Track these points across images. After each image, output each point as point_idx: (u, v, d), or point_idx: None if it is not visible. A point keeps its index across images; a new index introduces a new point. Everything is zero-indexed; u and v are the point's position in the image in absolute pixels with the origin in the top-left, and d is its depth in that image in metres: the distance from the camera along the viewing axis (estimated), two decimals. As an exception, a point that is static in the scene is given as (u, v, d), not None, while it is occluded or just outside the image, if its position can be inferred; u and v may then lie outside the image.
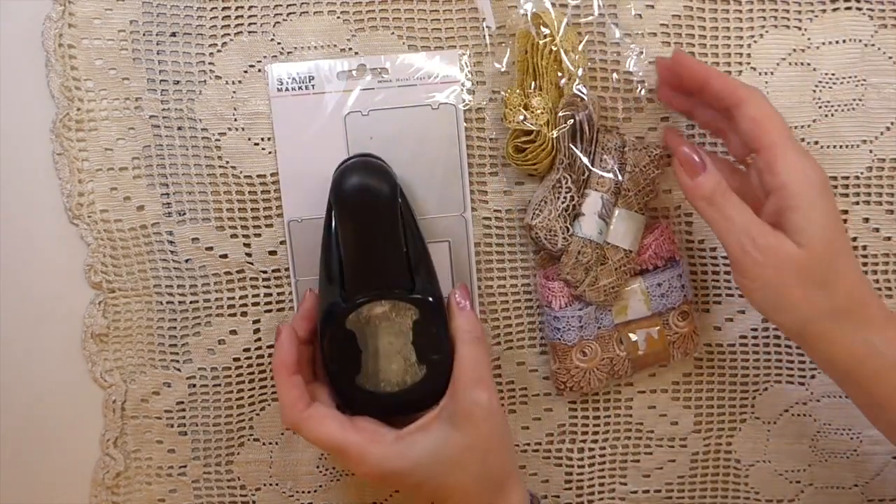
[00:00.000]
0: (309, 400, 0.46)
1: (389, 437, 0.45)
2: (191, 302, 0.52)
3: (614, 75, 0.51)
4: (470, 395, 0.45)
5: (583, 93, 0.48)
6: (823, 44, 0.51)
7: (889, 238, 0.52)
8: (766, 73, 0.51)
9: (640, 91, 0.51)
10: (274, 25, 0.50)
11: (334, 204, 0.46)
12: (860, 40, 0.51)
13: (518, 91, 0.49)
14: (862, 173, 0.52)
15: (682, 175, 0.45)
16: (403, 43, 0.50)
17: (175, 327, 0.52)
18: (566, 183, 0.49)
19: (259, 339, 0.52)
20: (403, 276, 0.46)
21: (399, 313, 0.47)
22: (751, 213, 0.43)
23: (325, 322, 0.46)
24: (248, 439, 0.54)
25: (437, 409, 0.46)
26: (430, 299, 0.46)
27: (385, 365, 0.47)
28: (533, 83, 0.49)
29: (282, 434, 0.54)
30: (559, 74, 0.49)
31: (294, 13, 0.50)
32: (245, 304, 0.52)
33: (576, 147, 0.49)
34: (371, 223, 0.45)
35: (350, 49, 0.50)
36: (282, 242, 0.52)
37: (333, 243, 0.47)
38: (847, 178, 0.52)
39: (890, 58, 0.51)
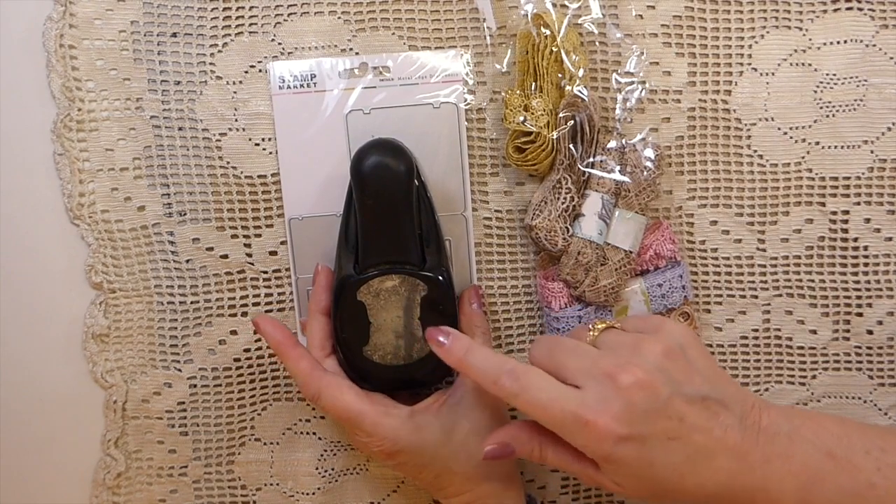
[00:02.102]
0: (322, 369, 0.47)
1: (403, 412, 0.47)
2: (191, 302, 0.52)
3: (615, 76, 0.51)
4: (475, 384, 0.46)
5: (583, 94, 0.48)
6: (824, 44, 0.51)
7: (890, 238, 0.52)
8: (767, 74, 0.51)
9: (642, 92, 0.51)
10: (274, 26, 0.50)
11: (353, 180, 0.47)
12: (861, 41, 0.51)
13: (518, 92, 0.49)
14: (863, 174, 0.52)
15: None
16: (404, 43, 0.50)
17: (176, 327, 0.52)
18: (566, 183, 0.49)
19: (259, 339, 0.52)
20: (415, 253, 0.48)
21: (408, 288, 0.48)
22: (569, 464, 0.42)
23: (338, 292, 0.48)
24: (249, 439, 0.54)
25: (445, 394, 0.48)
26: (440, 277, 0.48)
27: (392, 338, 0.48)
28: (533, 84, 0.49)
29: (282, 434, 0.54)
30: (560, 75, 0.49)
31: (295, 13, 0.50)
32: (245, 305, 0.52)
33: (576, 148, 0.49)
34: (386, 199, 0.47)
35: (351, 49, 0.50)
36: (282, 242, 0.52)
37: (353, 218, 0.48)
38: (848, 178, 0.52)
39: (891, 58, 0.51)
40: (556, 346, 0.43)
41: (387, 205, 0.47)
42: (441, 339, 0.43)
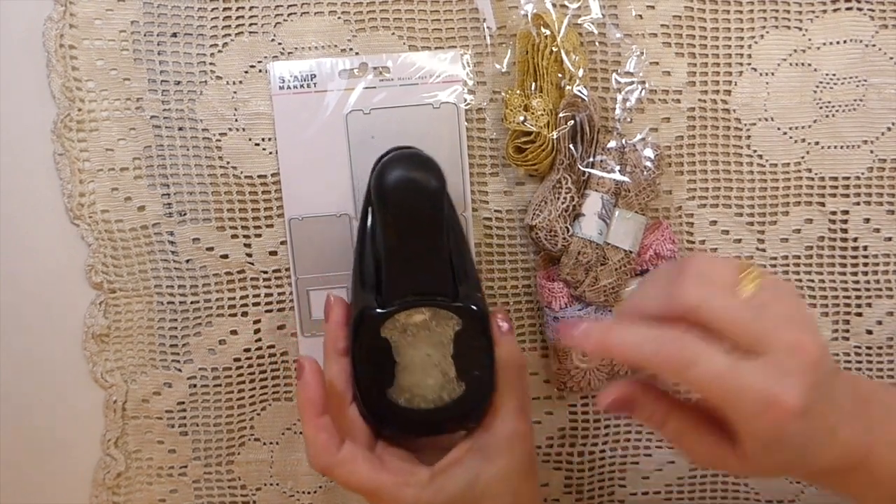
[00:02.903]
0: (339, 441, 0.42)
1: (422, 477, 0.43)
2: (191, 302, 0.52)
3: (614, 76, 0.51)
4: (509, 427, 0.43)
5: (583, 94, 0.48)
6: (824, 44, 0.51)
7: (890, 238, 0.52)
8: (766, 74, 0.51)
9: (641, 92, 0.51)
10: (274, 26, 0.50)
11: (375, 198, 0.42)
12: (861, 41, 0.51)
13: (518, 92, 0.49)
14: (863, 174, 0.52)
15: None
16: (404, 43, 0.50)
17: (176, 327, 0.52)
18: (566, 183, 0.49)
19: (259, 340, 0.52)
20: (446, 282, 0.43)
21: (440, 322, 0.43)
22: (690, 439, 0.39)
23: (357, 328, 0.43)
24: (249, 439, 0.54)
25: (469, 440, 0.44)
26: (475, 308, 0.43)
27: (421, 379, 0.44)
28: (533, 84, 0.49)
29: (282, 434, 0.54)
30: (560, 75, 0.49)
31: (295, 13, 0.50)
32: (245, 305, 0.52)
33: (576, 148, 0.49)
34: (415, 222, 0.42)
35: (350, 49, 0.50)
36: (282, 243, 0.52)
37: (368, 243, 0.44)
38: (848, 178, 0.52)
39: (891, 58, 0.51)
40: (708, 299, 0.35)
41: (415, 227, 0.42)
42: (574, 332, 0.37)
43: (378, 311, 0.42)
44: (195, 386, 0.53)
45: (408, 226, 0.42)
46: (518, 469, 0.43)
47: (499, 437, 0.43)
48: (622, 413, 0.39)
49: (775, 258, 0.53)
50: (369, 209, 0.44)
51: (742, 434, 0.36)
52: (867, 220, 0.52)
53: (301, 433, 0.54)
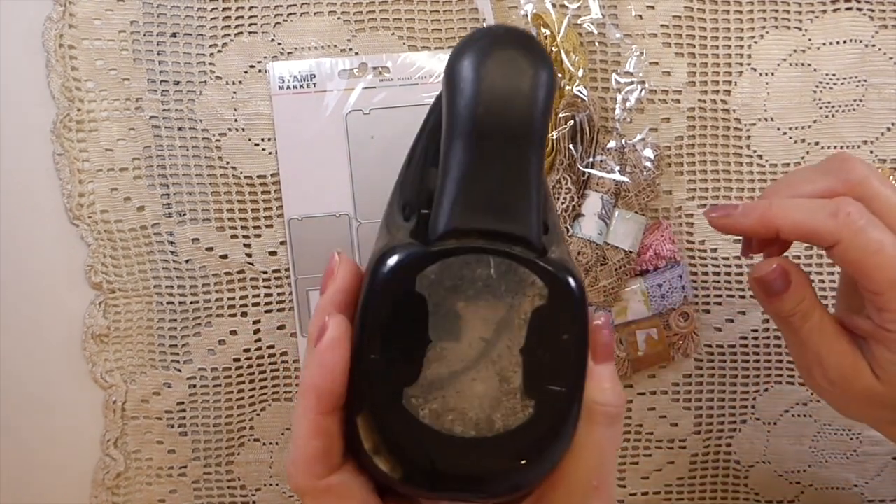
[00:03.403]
0: (337, 460, 0.28)
1: None
2: (191, 302, 0.52)
3: (614, 76, 0.51)
4: None
5: (583, 94, 0.48)
6: (824, 44, 0.51)
7: (889, 239, 0.52)
8: (766, 74, 0.51)
9: (641, 92, 0.51)
10: (274, 26, 0.50)
11: (452, 83, 0.28)
12: (861, 41, 0.51)
13: (518, 92, 0.49)
14: (862, 174, 0.52)
15: (759, 291, 0.37)
16: (404, 43, 0.50)
17: (175, 328, 0.52)
18: (566, 184, 0.49)
19: (259, 340, 0.52)
20: (536, 227, 0.28)
21: (512, 287, 0.27)
22: (830, 339, 0.36)
23: (376, 275, 0.27)
24: (249, 439, 0.54)
25: None
26: (571, 281, 0.27)
27: (465, 380, 0.27)
28: (533, 84, 0.49)
29: (282, 434, 0.54)
30: (559, 75, 0.49)
31: (294, 13, 0.50)
32: (245, 305, 0.52)
33: (576, 148, 0.49)
34: (509, 125, 0.28)
35: (350, 49, 0.50)
36: (282, 243, 0.52)
37: (420, 154, 0.31)
38: (847, 178, 0.52)
39: (891, 58, 0.51)
40: (876, 174, 0.33)
41: (508, 134, 0.27)
42: (733, 212, 0.33)
43: (417, 248, 0.27)
44: (195, 386, 0.53)
45: (497, 130, 0.27)
46: None
47: None
48: (779, 286, 0.35)
49: (775, 258, 0.53)
50: (442, 108, 0.29)
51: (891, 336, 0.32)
52: (867, 221, 0.52)
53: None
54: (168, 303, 0.52)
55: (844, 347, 0.36)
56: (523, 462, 0.26)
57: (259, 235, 0.52)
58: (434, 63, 0.50)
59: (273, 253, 0.52)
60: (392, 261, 0.27)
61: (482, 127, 0.27)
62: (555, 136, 0.49)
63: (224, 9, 0.50)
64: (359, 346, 0.27)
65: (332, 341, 0.27)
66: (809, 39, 0.51)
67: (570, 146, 0.49)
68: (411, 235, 0.28)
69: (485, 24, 0.50)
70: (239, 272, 0.52)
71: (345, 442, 0.28)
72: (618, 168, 0.49)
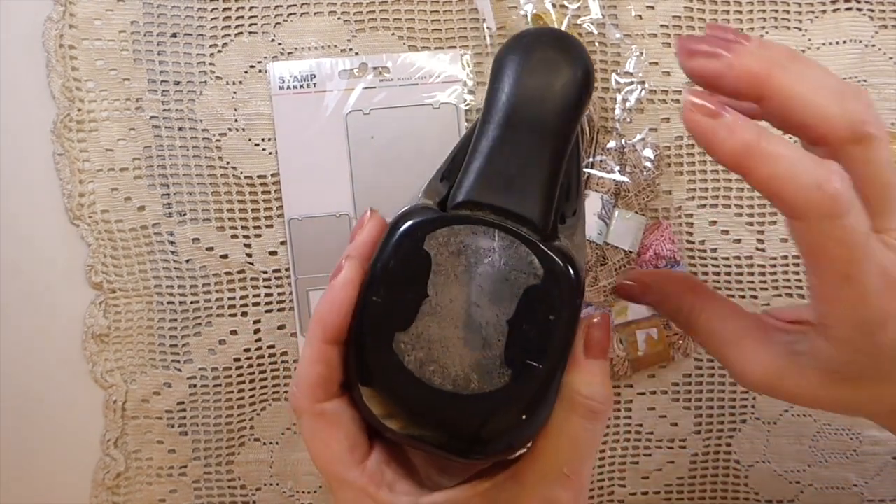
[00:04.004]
0: (334, 388, 0.31)
1: (408, 500, 0.31)
2: (191, 302, 0.52)
3: (614, 76, 0.51)
4: (548, 494, 0.30)
5: (583, 93, 0.49)
6: (824, 44, 0.51)
7: (889, 239, 0.52)
8: (766, 74, 0.51)
9: (641, 92, 0.51)
10: (274, 26, 0.50)
11: (499, 76, 0.31)
12: (861, 41, 0.51)
13: (518, 92, 0.49)
14: (862, 174, 0.52)
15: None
16: (404, 44, 0.50)
17: (175, 327, 0.52)
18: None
19: (259, 340, 0.53)
20: (543, 211, 0.30)
21: (511, 263, 0.30)
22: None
23: (393, 229, 0.31)
24: (249, 439, 0.54)
25: (485, 483, 0.31)
26: (568, 268, 0.29)
27: (451, 337, 0.29)
28: (533, 84, 0.49)
29: (282, 434, 0.54)
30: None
31: (294, 14, 0.50)
32: (245, 305, 0.52)
33: (576, 148, 0.49)
34: (539, 119, 0.31)
35: (350, 49, 0.50)
36: (282, 243, 0.52)
37: (474, 130, 0.33)
38: (847, 178, 0.52)
39: (890, 58, 0.51)
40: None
41: (530, 126, 0.31)
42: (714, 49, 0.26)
43: (434, 212, 0.31)
44: (195, 386, 0.53)
45: (519, 122, 0.31)
46: None
47: (521, 482, 0.30)
48: (634, 299, 0.34)
49: (775, 258, 0.53)
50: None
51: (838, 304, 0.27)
52: (867, 221, 0.52)
53: (301, 433, 0.54)
54: (168, 303, 0.52)
55: (768, 336, 0.31)
56: (489, 426, 0.29)
57: (259, 235, 0.52)
58: (434, 63, 0.50)
59: (273, 253, 0.52)
60: (409, 219, 0.30)
61: (510, 117, 0.31)
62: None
63: (224, 9, 0.50)
64: (366, 288, 0.30)
65: (344, 280, 0.30)
66: (809, 39, 0.51)
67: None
68: (438, 202, 0.31)
69: (485, 24, 0.50)
70: (239, 272, 0.52)
71: (343, 376, 0.32)
72: (618, 168, 0.49)
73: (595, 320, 0.31)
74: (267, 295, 0.52)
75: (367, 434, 0.32)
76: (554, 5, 0.49)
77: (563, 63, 0.31)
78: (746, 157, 0.26)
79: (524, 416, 0.29)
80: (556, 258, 0.29)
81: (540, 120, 0.31)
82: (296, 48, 0.50)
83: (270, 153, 0.51)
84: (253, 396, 0.53)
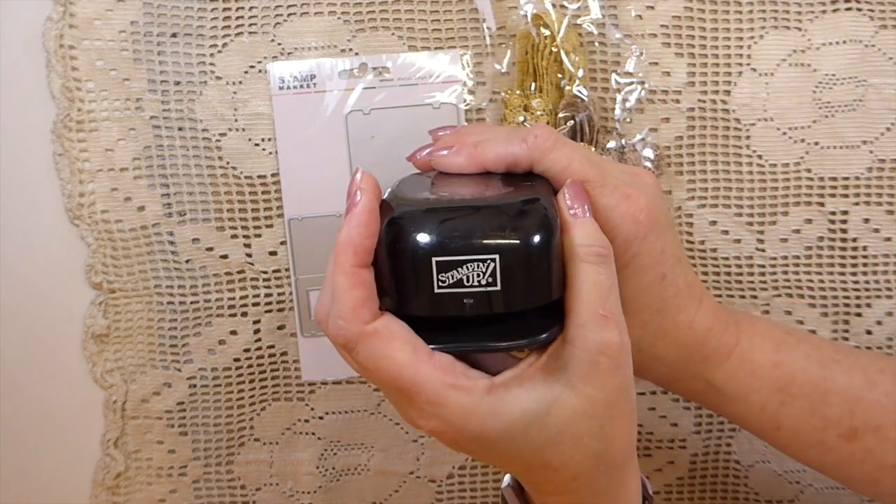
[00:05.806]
0: (375, 308, 0.33)
1: (479, 386, 0.33)
2: (191, 302, 0.52)
3: (614, 76, 0.51)
4: (596, 337, 0.32)
5: (583, 94, 0.49)
6: (824, 44, 0.51)
7: (889, 238, 0.52)
8: (766, 74, 0.51)
9: (641, 92, 0.51)
10: (274, 26, 0.50)
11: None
12: (860, 41, 0.51)
13: (518, 92, 0.49)
14: (862, 174, 0.52)
15: None
16: (404, 44, 0.50)
17: (175, 327, 0.52)
18: (566, 184, 0.49)
19: (259, 340, 0.53)
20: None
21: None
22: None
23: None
24: (249, 439, 0.54)
25: (542, 356, 0.33)
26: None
27: (464, 180, 0.38)
28: (533, 84, 0.49)
29: (282, 434, 0.54)
30: (559, 75, 0.49)
31: (294, 14, 0.50)
32: (245, 305, 0.52)
33: (576, 148, 0.49)
34: None
35: (350, 49, 0.50)
36: (282, 243, 0.52)
37: None
38: (847, 178, 0.52)
39: (890, 58, 0.51)
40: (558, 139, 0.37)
41: None
42: (443, 152, 0.38)
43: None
44: (195, 386, 0.53)
45: None
46: (609, 403, 0.33)
47: (580, 352, 0.32)
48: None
49: (775, 258, 0.53)
50: None
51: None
52: (867, 221, 0.52)
53: (302, 433, 0.54)
54: (168, 303, 0.52)
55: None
56: (511, 231, 0.32)
57: (259, 235, 0.52)
58: (434, 63, 0.50)
59: (273, 253, 0.52)
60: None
61: None
62: (555, 137, 0.49)
63: (224, 9, 0.50)
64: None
65: (363, 207, 0.34)
66: (809, 39, 0.51)
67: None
68: None
69: (485, 24, 0.50)
70: (239, 272, 0.52)
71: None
72: (618, 168, 0.49)
73: (567, 185, 0.35)
74: (267, 295, 0.52)
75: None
76: (554, 5, 0.49)
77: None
78: (476, 157, 0.36)
79: (535, 216, 0.33)
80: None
81: None
82: (296, 48, 0.50)
83: (270, 153, 0.51)
84: (253, 396, 0.53)
